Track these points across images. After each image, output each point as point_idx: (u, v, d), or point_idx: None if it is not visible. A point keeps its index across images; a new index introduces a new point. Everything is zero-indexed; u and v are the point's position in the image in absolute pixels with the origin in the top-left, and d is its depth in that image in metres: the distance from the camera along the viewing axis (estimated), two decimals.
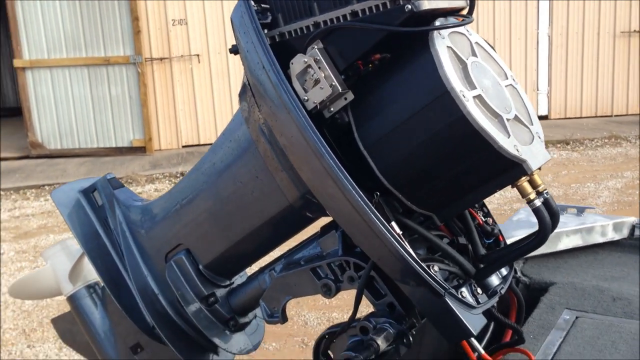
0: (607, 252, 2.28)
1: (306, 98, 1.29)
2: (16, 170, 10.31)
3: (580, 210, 2.38)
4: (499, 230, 1.55)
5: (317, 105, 1.29)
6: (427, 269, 1.24)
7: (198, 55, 11.06)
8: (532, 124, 1.38)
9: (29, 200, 8.98)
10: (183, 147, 11.31)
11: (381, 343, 1.34)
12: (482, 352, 1.38)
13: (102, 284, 1.99)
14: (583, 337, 1.68)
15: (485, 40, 1.47)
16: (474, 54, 1.35)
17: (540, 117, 12.74)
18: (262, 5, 1.40)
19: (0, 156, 11.23)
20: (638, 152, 10.08)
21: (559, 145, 10.75)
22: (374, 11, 1.26)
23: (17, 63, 10.74)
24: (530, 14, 12.37)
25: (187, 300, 1.67)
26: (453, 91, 1.19)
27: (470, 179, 1.28)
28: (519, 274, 2.10)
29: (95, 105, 10.88)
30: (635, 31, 12.57)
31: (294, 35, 1.35)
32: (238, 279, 1.80)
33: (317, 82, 1.28)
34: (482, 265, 1.39)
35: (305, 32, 1.34)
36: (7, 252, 6.86)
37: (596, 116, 12.70)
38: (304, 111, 1.25)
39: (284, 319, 1.55)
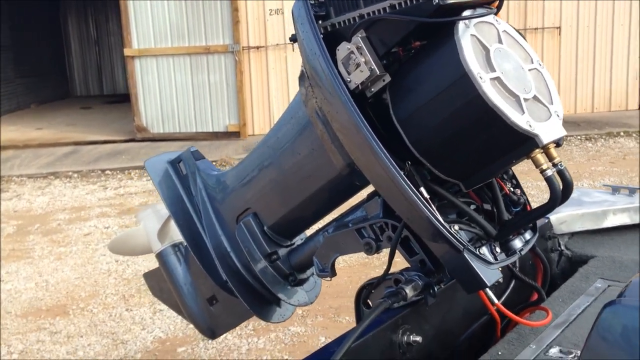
0: None
1: (349, 79, 1.52)
2: (123, 152, 11.12)
3: (632, 191, 2.46)
4: (526, 200, 1.71)
5: (358, 86, 1.51)
6: (447, 227, 1.44)
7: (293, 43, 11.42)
8: (552, 104, 1.54)
9: (132, 179, 9.70)
10: None
11: (409, 292, 1.55)
12: (497, 301, 1.56)
13: (185, 244, 2.29)
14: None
15: (515, 28, 1.63)
16: (500, 41, 1.52)
17: None
18: (319, 0, 1.63)
19: (109, 139, 12.13)
20: None
21: None
22: (408, 4, 1.46)
23: (127, 52, 11.56)
24: None
25: (253, 257, 1.93)
26: (471, 73, 1.38)
27: (489, 151, 1.46)
28: (563, 247, 2.24)
29: (195, 91, 11.52)
30: None
31: (342, 25, 1.58)
32: (298, 241, 2.05)
33: (358, 65, 1.50)
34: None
35: (352, 22, 1.56)
36: (112, 227, 7.51)
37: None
38: (347, 90, 1.48)
39: (333, 273, 1.78)
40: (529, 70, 1.56)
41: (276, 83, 11.64)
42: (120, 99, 17.91)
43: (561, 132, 1.51)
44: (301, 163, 1.78)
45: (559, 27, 12.03)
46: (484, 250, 1.52)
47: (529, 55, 1.60)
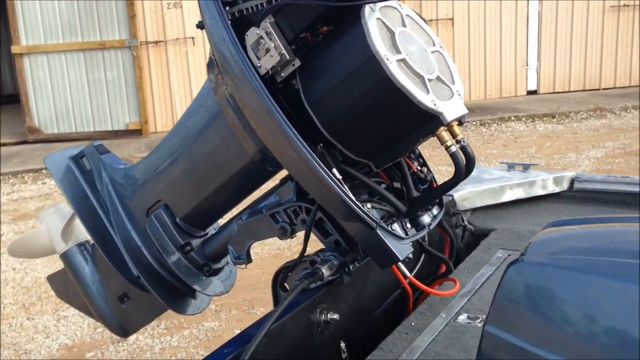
0: (548, 203, 2.53)
1: (259, 65, 1.52)
2: (14, 155, 10.54)
3: (526, 167, 2.63)
4: (433, 178, 1.79)
5: (268, 71, 1.52)
6: (360, 206, 1.48)
7: (193, 38, 11.24)
8: (454, 84, 1.62)
9: (27, 183, 9.22)
10: None
11: (325, 271, 1.59)
12: (409, 274, 1.63)
13: (91, 242, 2.22)
14: None
15: (418, 13, 1.70)
16: (404, 25, 1.58)
17: (529, 92, 12.95)
18: None
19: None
20: (621, 123, 10.31)
21: (544, 118, 10.98)
22: None
23: (14, 49, 10.92)
24: None
25: (166, 250, 1.90)
26: (378, 55, 1.42)
27: (396, 130, 1.52)
28: (466, 222, 2.35)
29: (92, 89, 11.08)
30: (625, 5, 12.73)
31: (250, 11, 1.58)
32: (211, 230, 2.04)
33: (267, 50, 1.51)
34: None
35: (259, 8, 1.56)
36: (6, 233, 7.11)
37: (584, 90, 12.91)
38: (257, 75, 1.48)
39: (248, 260, 1.79)
40: (432, 52, 1.62)
41: (177, 78, 11.41)
42: (7, 99, 16.93)
43: (463, 110, 1.58)
44: (212, 151, 1.77)
45: (452, 19, 12.53)
46: (396, 226, 1.58)
47: (431, 38, 1.67)
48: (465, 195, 2.38)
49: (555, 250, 1.06)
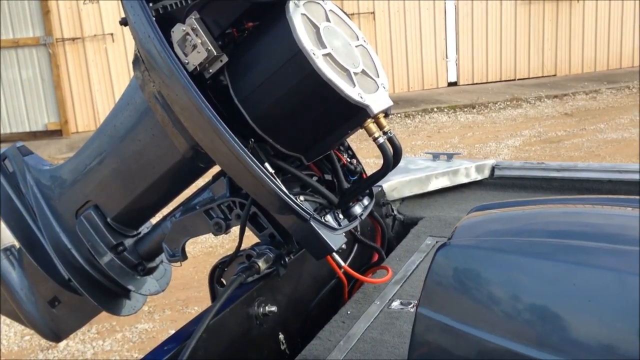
0: (471, 190, 2.64)
1: (187, 61, 1.52)
2: None
3: (450, 156, 2.73)
4: (362, 169, 1.84)
5: (196, 67, 1.52)
6: (294, 199, 1.51)
7: (112, 34, 10.93)
8: (379, 77, 1.67)
9: None
10: None
11: (262, 264, 1.61)
12: (344, 264, 1.67)
13: (17, 246, 2.16)
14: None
15: (340, 8, 1.74)
16: (328, 20, 1.62)
17: (450, 84, 13.35)
18: None
19: None
20: (536, 112, 10.79)
21: (465, 109, 11.35)
22: None
23: None
24: None
25: (98, 251, 1.87)
26: (304, 50, 1.45)
27: (325, 123, 1.56)
28: (395, 212, 2.43)
29: (6, 88, 10.60)
30: None
31: (174, 7, 1.58)
32: (144, 229, 2.02)
33: (194, 47, 1.52)
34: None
35: (183, 4, 1.57)
36: None
37: (501, 80, 13.43)
38: (185, 72, 1.49)
39: (184, 257, 1.79)
40: (356, 46, 1.67)
41: (98, 76, 11.08)
42: None
43: (388, 102, 1.64)
44: (142, 150, 1.76)
45: (373, 13, 12.73)
46: (329, 218, 1.62)
47: (354, 33, 1.72)
48: (394, 185, 2.46)
49: (479, 233, 1.12)
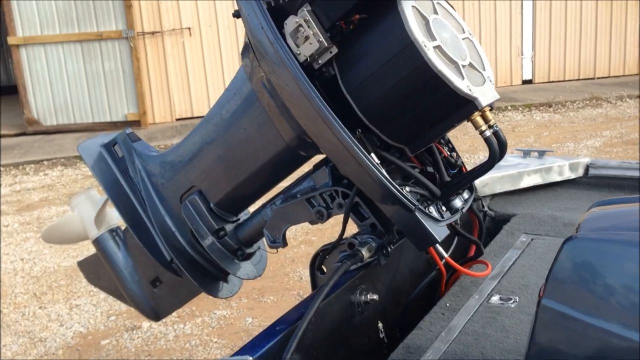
0: (564, 189, 2.59)
1: (298, 52, 1.57)
2: (14, 147, 10.52)
3: (541, 153, 2.69)
4: (462, 162, 1.84)
5: (307, 58, 1.57)
6: (400, 189, 1.54)
7: (189, 28, 11.23)
8: (485, 70, 1.67)
9: (28, 175, 9.22)
10: (177, 120, 11.53)
11: (365, 253, 1.64)
12: (446, 255, 1.68)
13: (123, 227, 2.27)
14: (535, 254, 2.00)
15: (447, 1, 1.75)
16: (436, 12, 1.63)
17: (525, 82, 13.04)
18: None
19: None
20: (617, 112, 10.40)
21: (541, 107, 11.06)
22: None
23: (10, 40, 10.87)
24: None
25: (200, 234, 1.95)
26: (416, 42, 1.47)
27: (433, 115, 1.57)
28: (486, 208, 2.41)
29: (89, 80, 11.06)
30: None
31: (285, 0, 1.62)
32: (243, 216, 2.09)
33: (307, 38, 1.56)
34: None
35: None
36: (11, 224, 7.13)
37: (579, 79, 13.01)
38: (297, 62, 1.53)
39: (284, 243, 1.84)
40: (463, 39, 1.67)
41: (175, 69, 11.40)
42: (3, 91, 16.85)
43: (495, 95, 1.64)
44: (247, 138, 1.82)
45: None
46: (432, 209, 1.63)
47: (461, 25, 1.72)
48: (485, 181, 2.44)
49: (605, 226, 1.11)
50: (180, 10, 11.14)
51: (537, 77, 13.06)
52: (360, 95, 1.57)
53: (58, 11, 10.77)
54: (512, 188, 2.51)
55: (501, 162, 2.59)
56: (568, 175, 2.61)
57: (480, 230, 1.90)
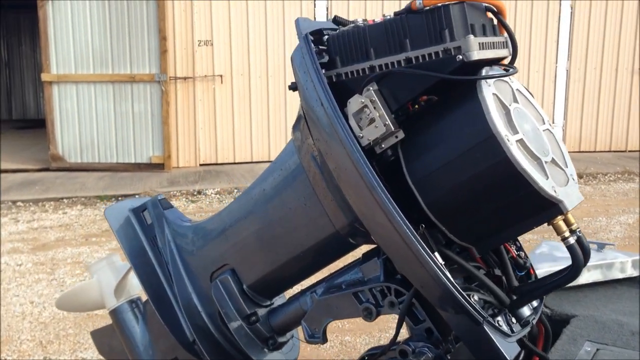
0: (625, 287, 2.38)
1: (361, 135, 1.41)
2: (36, 182, 10.48)
3: (601, 247, 2.48)
4: (531, 264, 1.65)
5: (370, 142, 1.41)
6: (467, 297, 1.35)
7: (221, 75, 11.27)
8: (567, 167, 1.49)
9: (47, 212, 9.13)
10: (201, 165, 11.47)
11: None
12: None
13: (143, 300, 2.10)
14: None
15: (525, 87, 1.59)
16: (516, 100, 1.46)
17: None
18: (320, 47, 1.53)
19: (21, 167, 11.43)
20: None
21: None
22: (427, 59, 1.38)
23: (44, 77, 10.97)
24: (550, 48, 12.52)
25: (230, 318, 1.77)
26: (499, 135, 1.30)
27: (509, 216, 1.39)
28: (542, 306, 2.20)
29: (118, 120, 11.08)
30: None
31: (349, 76, 1.47)
32: (277, 300, 1.91)
33: (372, 120, 1.40)
34: (515, 297, 1.49)
35: (360, 74, 1.46)
36: (25, 264, 6.98)
37: (610, 151, 12.78)
38: (359, 147, 1.37)
39: (324, 339, 1.65)
40: (543, 130, 1.51)
41: (203, 115, 11.40)
42: (30, 124, 17.04)
43: (580, 197, 1.46)
44: (291, 218, 1.67)
45: None
46: (500, 320, 1.43)
47: (540, 115, 1.56)
48: (540, 275, 2.23)
49: None
50: (214, 58, 11.21)
51: (568, 146, 12.85)
52: (428, 188, 1.40)
53: (94, 51, 10.88)
54: (570, 284, 2.30)
55: (556, 253, 2.39)
56: (630, 272, 2.40)
57: (547, 340, 1.70)
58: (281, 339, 1.86)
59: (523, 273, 1.62)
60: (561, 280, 1.45)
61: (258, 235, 1.76)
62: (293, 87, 1.56)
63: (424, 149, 1.42)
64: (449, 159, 1.37)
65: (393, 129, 1.40)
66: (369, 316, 1.55)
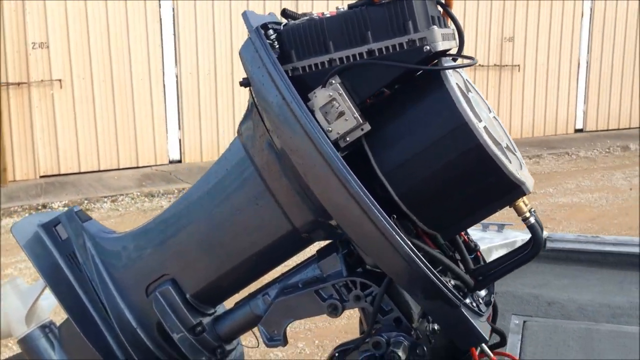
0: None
1: (330, 129, 1.38)
2: None
3: (501, 227, 2.66)
4: (478, 247, 1.72)
5: (338, 136, 1.38)
6: (446, 283, 1.37)
7: (60, 80, 10.50)
8: (516, 152, 1.58)
9: None
10: (41, 177, 10.62)
11: (402, 355, 1.45)
12: (492, 356, 1.53)
13: (57, 324, 1.91)
14: (538, 339, 1.91)
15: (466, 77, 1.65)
16: (469, 90, 1.52)
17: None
18: (269, 41, 1.47)
19: None
20: None
21: None
22: (391, 51, 1.38)
23: None
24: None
25: (173, 331, 1.67)
26: (470, 122, 1.34)
27: (478, 200, 1.44)
28: None
29: None
30: None
31: (307, 70, 1.44)
32: (221, 308, 1.82)
33: (341, 114, 1.38)
34: (478, 278, 1.55)
35: (319, 67, 1.43)
36: None
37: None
38: (330, 143, 1.34)
39: (285, 341, 1.60)
40: (493, 118, 1.58)
41: (41, 123, 10.55)
42: None
43: (532, 180, 1.55)
44: (239, 219, 1.61)
45: None
46: (470, 302, 1.48)
47: (486, 104, 1.63)
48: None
49: None
50: (52, 61, 10.42)
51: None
52: (398, 179, 1.41)
53: None
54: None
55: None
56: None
57: (495, 316, 1.78)
58: (229, 347, 1.78)
59: (473, 256, 1.68)
60: (525, 257, 1.52)
61: (202, 241, 1.66)
62: (245, 83, 1.48)
63: (392, 141, 1.42)
64: (420, 148, 1.39)
65: (361, 121, 1.39)
66: (334, 311, 1.54)
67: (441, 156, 1.37)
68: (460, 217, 1.47)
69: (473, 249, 1.68)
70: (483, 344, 1.52)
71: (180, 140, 11.84)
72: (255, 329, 1.70)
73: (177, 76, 11.61)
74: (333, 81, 1.39)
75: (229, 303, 1.80)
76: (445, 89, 1.37)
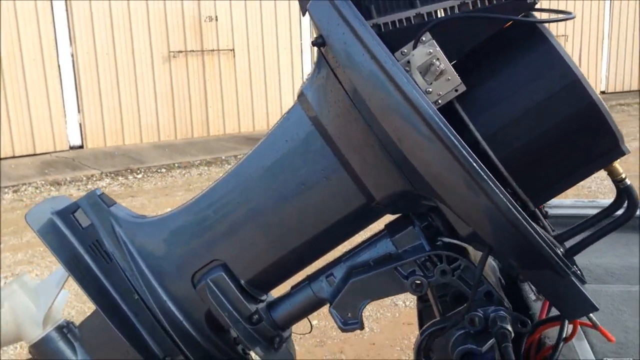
0: None
1: (430, 90, 1.26)
2: None
3: None
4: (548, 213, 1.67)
5: (439, 98, 1.27)
6: (557, 252, 1.30)
7: None
8: None
9: None
10: None
11: (510, 328, 1.36)
12: (599, 324, 1.47)
13: (77, 323, 1.68)
14: None
15: None
16: None
17: None
18: None
19: None
20: None
21: None
22: (486, 4, 1.28)
23: None
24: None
25: (232, 322, 1.52)
26: (583, 78, 1.27)
27: (581, 161, 1.36)
28: None
29: None
30: None
31: (390, 27, 1.30)
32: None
33: (442, 73, 1.26)
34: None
35: (404, 24, 1.30)
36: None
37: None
38: (432, 105, 1.22)
39: (362, 324, 1.48)
40: None
41: None
42: None
43: None
44: (306, 195, 1.48)
45: (233, 50, 12.54)
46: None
47: None
48: None
49: None
50: None
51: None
52: (500, 143, 1.31)
53: None
54: None
55: None
56: None
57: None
58: (285, 334, 1.63)
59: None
60: (620, 220, 1.47)
61: (260, 220, 1.50)
62: (319, 43, 1.32)
63: (490, 102, 1.32)
64: (525, 108, 1.29)
65: (460, 81, 1.28)
66: (419, 289, 1.43)
67: (550, 115, 1.28)
68: (558, 180, 1.40)
69: (546, 215, 1.62)
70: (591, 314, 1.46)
71: (80, 124, 11.12)
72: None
73: (72, 55, 10.86)
74: (424, 38, 1.26)
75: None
76: (551, 44, 1.28)
